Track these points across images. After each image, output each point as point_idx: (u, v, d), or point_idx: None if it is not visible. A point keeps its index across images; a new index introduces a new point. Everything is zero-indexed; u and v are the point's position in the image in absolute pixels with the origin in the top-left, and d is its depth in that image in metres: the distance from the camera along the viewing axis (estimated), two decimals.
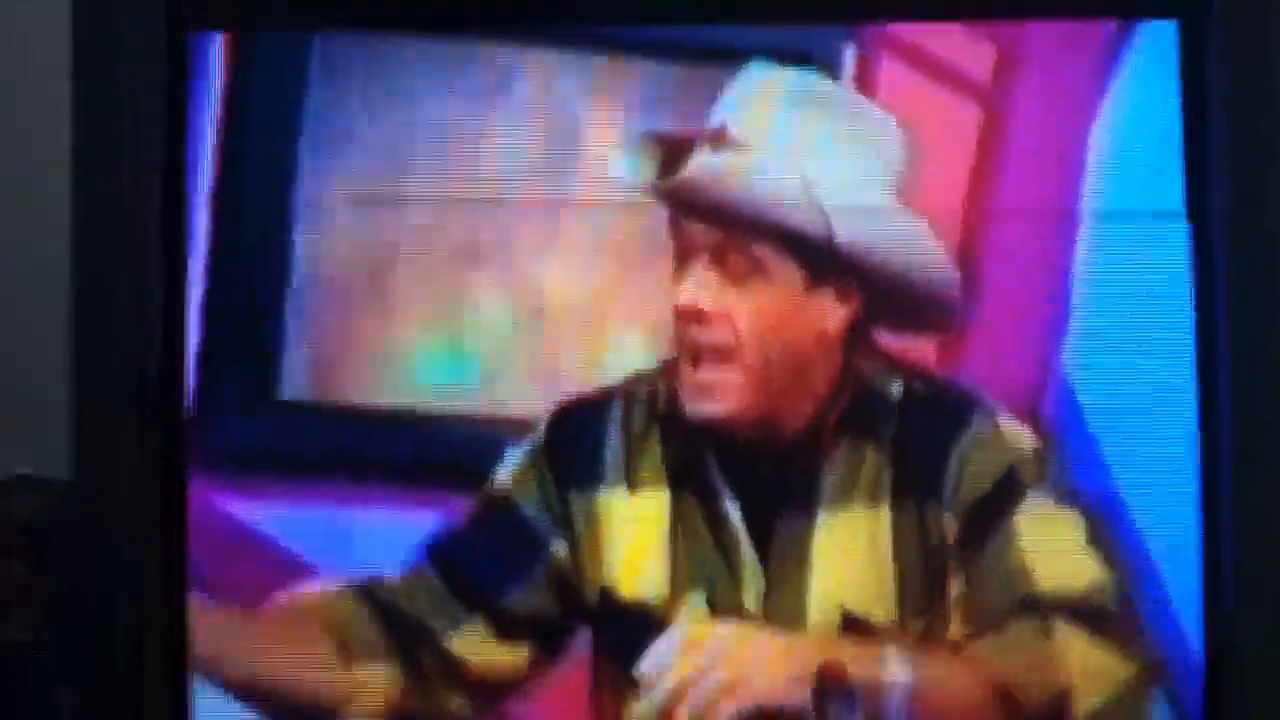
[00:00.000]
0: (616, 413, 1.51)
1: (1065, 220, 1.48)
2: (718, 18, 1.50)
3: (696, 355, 1.48)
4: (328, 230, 1.51)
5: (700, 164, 1.46)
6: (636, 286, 1.50)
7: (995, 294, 1.48)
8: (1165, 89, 1.48)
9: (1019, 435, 1.48)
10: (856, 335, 1.48)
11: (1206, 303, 1.46)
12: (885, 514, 1.48)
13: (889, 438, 1.48)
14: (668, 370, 1.50)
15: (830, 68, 1.49)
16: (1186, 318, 1.47)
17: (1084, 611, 1.45)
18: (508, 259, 1.51)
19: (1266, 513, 1.43)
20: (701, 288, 1.48)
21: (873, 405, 1.49)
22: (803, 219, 1.46)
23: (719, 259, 1.47)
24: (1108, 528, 1.46)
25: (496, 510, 1.50)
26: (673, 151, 1.47)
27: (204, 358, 1.50)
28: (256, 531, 1.50)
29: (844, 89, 1.49)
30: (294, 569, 1.49)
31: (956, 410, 1.48)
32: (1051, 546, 1.46)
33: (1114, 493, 1.46)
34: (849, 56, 1.49)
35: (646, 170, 1.47)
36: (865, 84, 1.49)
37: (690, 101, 1.49)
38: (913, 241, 1.47)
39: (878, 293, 1.47)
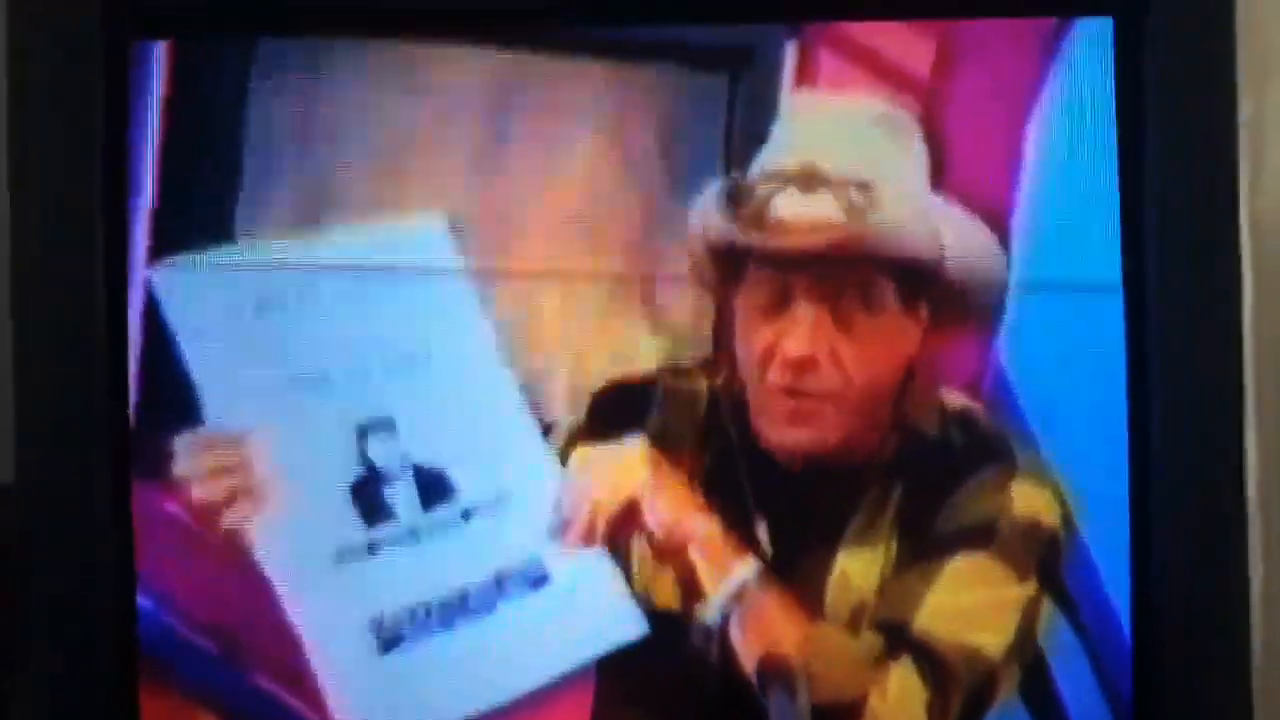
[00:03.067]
0: (657, 406, 1.52)
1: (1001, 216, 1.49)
2: (653, 16, 1.50)
3: (796, 391, 1.48)
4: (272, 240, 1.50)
5: (787, 206, 1.46)
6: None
7: None
8: (1102, 84, 1.49)
9: (1031, 493, 1.50)
10: (911, 382, 1.49)
11: (1137, 285, 1.48)
12: (894, 548, 1.49)
13: (918, 477, 1.50)
14: (714, 374, 1.51)
15: (770, 65, 1.50)
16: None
17: None
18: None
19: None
20: (812, 335, 1.47)
21: (913, 445, 1.50)
22: (919, 244, 1.46)
23: (828, 300, 1.47)
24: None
25: None
26: (752, 199, 1.47)
27: (146, 364, 1.49)
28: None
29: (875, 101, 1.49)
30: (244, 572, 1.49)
31: (980, 454, 1.50)
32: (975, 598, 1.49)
33: None
34: (790, 53, 1.50)
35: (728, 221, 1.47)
36: (806, 81, 1.51)
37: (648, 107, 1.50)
38: (979, 242, 1.48)
39: (943, 300, 1.49)
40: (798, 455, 1.49)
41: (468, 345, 1.51)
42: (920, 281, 1.47)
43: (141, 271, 1.49)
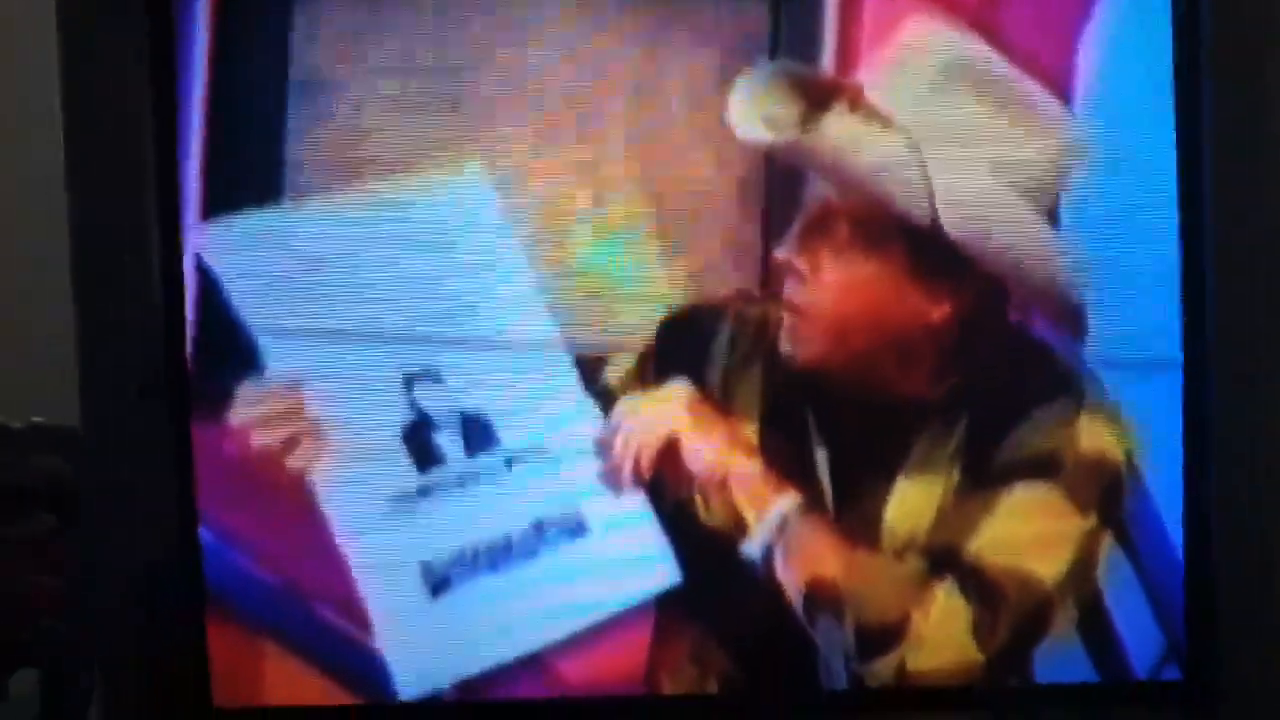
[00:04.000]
0: (724, 332, 1.52)
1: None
2: None
3: (790, 305, 1.49)
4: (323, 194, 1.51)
5: (834, 123, 1.44)
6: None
7: None
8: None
9: (1097, 430, 1.49)
10: (976, 320, 1.48)
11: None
12: (955, 477, 1.49)
13: (984, 413, 1.49)
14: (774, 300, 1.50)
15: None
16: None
17: None
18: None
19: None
20: (799, 247, 1.48)
21: (977, 387, 1.49)
22: (911, 208, 1.44)
23: (821, 223, 1.47)
24: None
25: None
26: (810, 100, 1.45)
27: (205, 297, 1.51)
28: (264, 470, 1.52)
29: (1005, 66, 1.46)
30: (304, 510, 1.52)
31: (1049, 391, 1.49)
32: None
33: None
34: None
35: (783, 115, 1.45)
36: (850, 11, 1.47)
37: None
38: (1032, 240, 1.46)
39: (999, 285, 1.47)
40: (797, 370, 1.49)
41: (514, 293, 1.51)
42: (937, 256, 1.45)
43: (196, 225, 1.50)
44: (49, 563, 1.57)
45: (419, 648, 1.53)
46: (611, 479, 1.51)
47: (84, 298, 1.48)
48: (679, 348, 1.51)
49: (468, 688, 1.54)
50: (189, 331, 1.51)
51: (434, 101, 1.50)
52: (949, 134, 1.45)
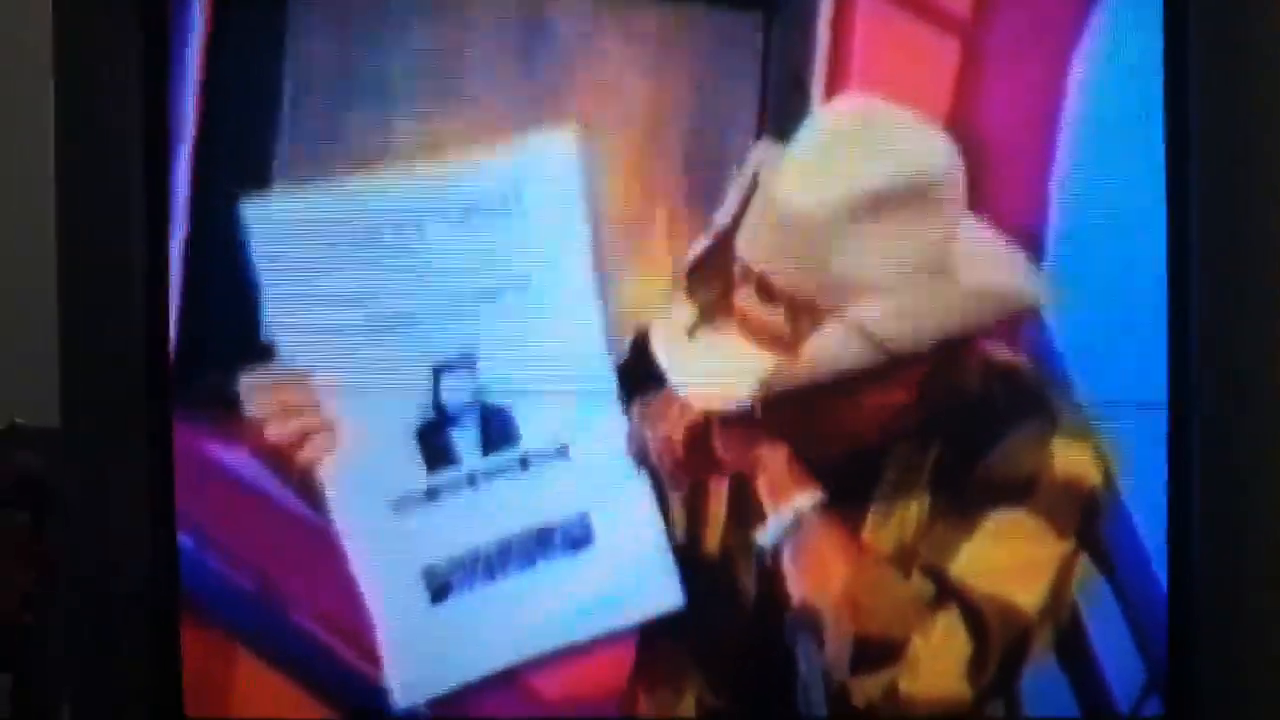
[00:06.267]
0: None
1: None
2: None
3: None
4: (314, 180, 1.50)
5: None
6: None
7: None
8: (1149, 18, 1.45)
9: (1072, 451, 1.48)
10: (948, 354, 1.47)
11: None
12: (928, 504, 1.48)
13: (956, 436, 1.48)
14: None
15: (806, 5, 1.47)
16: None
17: None
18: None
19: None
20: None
21: (950, 411, 1.48)
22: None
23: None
24: None
25: None
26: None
27: (188, 302, 1.50)
28: (242, 474, 1.51)
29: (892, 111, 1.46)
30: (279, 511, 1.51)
31: (1023, 410, 1.48)
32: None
33: None
34: None
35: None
36: (843, 21, 1.47)
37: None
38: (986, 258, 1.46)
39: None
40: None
41: (561, 275, 1.49)
42: None
43: (184, 212, 1.49)
44: (21, 562, 1.56)
45: (417, 656, 1.52)
46: (639, 459, 1.50)
47: (68, 297, 1.48)
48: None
49: (443, 703, 1.52)
50: (172, 331, 1.50)
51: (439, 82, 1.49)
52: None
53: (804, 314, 1.44)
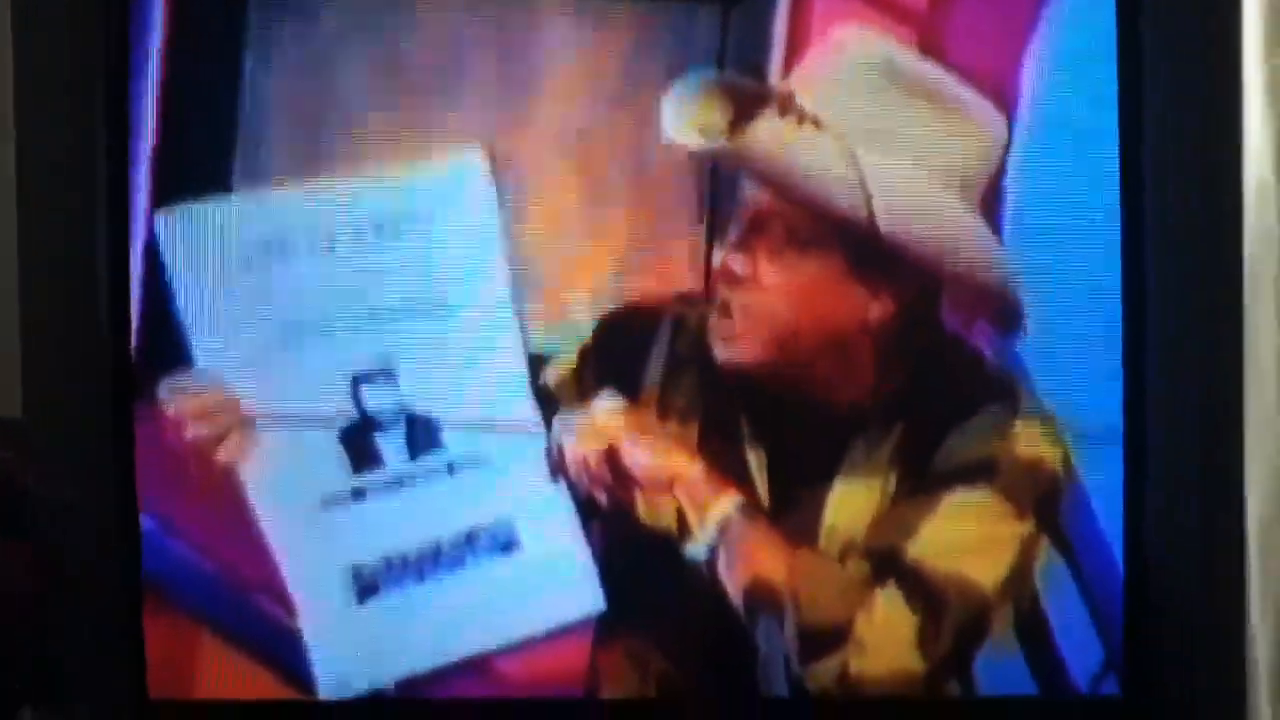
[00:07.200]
0: (665, 333, 1.52)
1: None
2: None
3: (725, 308, 1.49)
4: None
5: (765, 128, 1.45)
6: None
7: None
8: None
9: (1032, 434, 1.49)
10: (912, 324, 1.48)
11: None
12: (892, 484, 1.50)
13: (921, 418, 1.49)
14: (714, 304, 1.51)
15: None
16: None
17: None
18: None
19: None
20: (737, 251, 1.48)
21: (914, 392, 1.49)
22: (847, 206, 1.44)
23: (759, 226, 1.47)
24: None
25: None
26: (740, 107, 1.45)
27: (150, 292, 1.51)
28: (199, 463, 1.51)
29: (938, 70, 1.47)
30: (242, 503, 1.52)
31: (985, 396, 1.50)
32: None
33: None
34: None
35: (713, 122, 1.46)
36: (801, 11, 1.49)
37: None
38: (968, 239, 1.47)
39: (934, 287, 1.47)
40: (742, 373, 1.49)
41: (478, 292, 1.51)
42: (875, 254, 1.45)
43: (144, 215, 1.49)
44: None
45: (344, 655, 1.53)
46: (557, 473, 1.51)
47: (29, 289, 1.49)
48: (618, 349, 1.52)
49: (400, 688, 1.53)
50: (134, 322, 1.51)
51: (394, 94, 1.51)
52: (880, 134, 1.45)
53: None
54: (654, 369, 1.52)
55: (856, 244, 1.46)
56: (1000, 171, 1.48)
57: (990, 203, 1.48)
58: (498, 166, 1.50)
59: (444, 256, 1.51)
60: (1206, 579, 1.47)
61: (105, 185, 1.49)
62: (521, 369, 1.52)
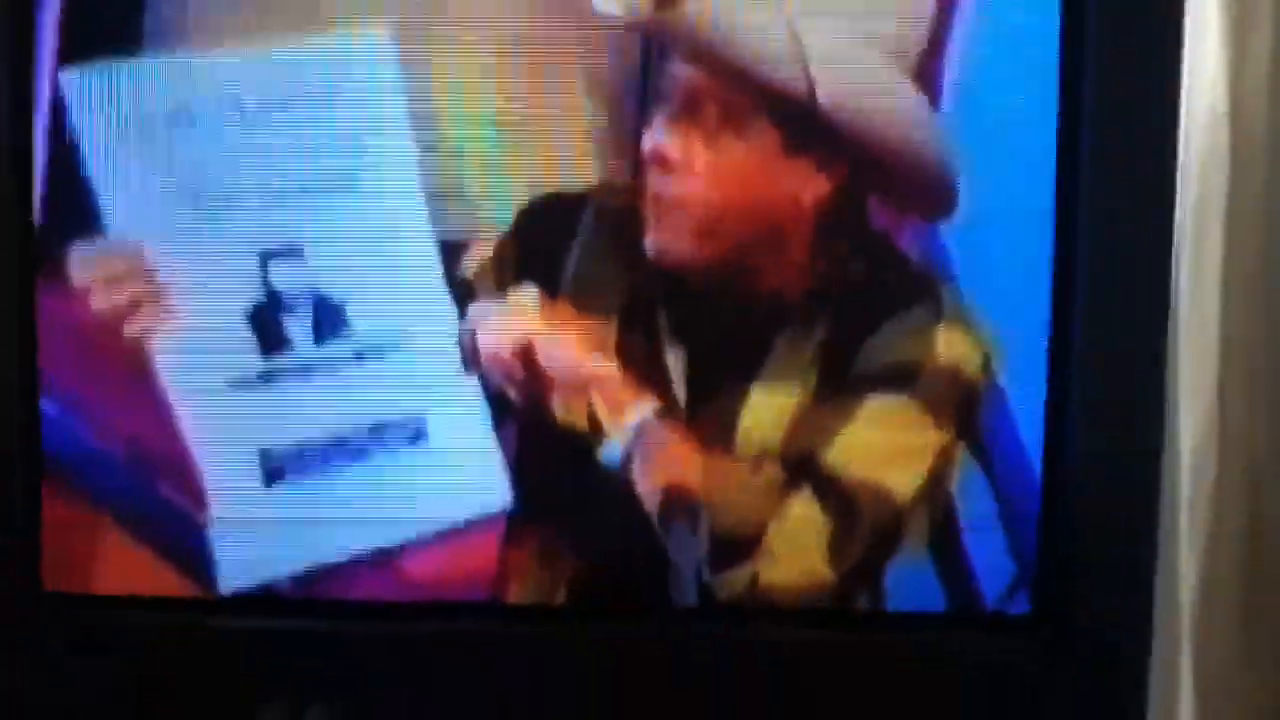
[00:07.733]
0: (588, 223, 1.48)
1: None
2: None
3: (658, 198, 1.45)
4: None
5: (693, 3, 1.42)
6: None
7: None
8: None
9: (954, 340, 1.47)
10: (840, 211, 1.45)
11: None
12: (811, 386, 1.47)
13: (842, 318, 1.47)
14: (640, 194, 1.47)
15: None
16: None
17: None
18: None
19: None
20: (669, 134, 1.45)
21: (837, 292, 1.47)
22: (784, 79, 1.42)
23: (691, 107, 1.44)
24: None
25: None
26: None
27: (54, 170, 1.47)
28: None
29: None
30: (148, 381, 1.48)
31: (908, 297, 1.47)
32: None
33: None
34: None
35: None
36: None
37: None
38: (906, 116, 1.44)
39: (866, 167, 1.44)
40: (671, 268, 1.46)
41: (387, 173, 1.47)
42: (811, 130, 1.42)
43: (49, 75, 1.46)
44: None
45: (251, 540, 1.50)
46: (470, 366, 1.48)
47: None
48: (537, 239, 1.48)
49: (303, 582, 1.50)
50: (37, 187, 1.47)
51: None
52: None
53: None
54: (575, 261, 1.48)
55: (793, 120, 1.43)
56: (938, 48, 1.45)
57: (928, 77, 1.45)
58: (410, 40, 1.46)
59: (351, 134, 1.47)
60: (1125, 498, 1.45)
61: (10, 40, 1.44)
62: (434, 258, 1.48)
